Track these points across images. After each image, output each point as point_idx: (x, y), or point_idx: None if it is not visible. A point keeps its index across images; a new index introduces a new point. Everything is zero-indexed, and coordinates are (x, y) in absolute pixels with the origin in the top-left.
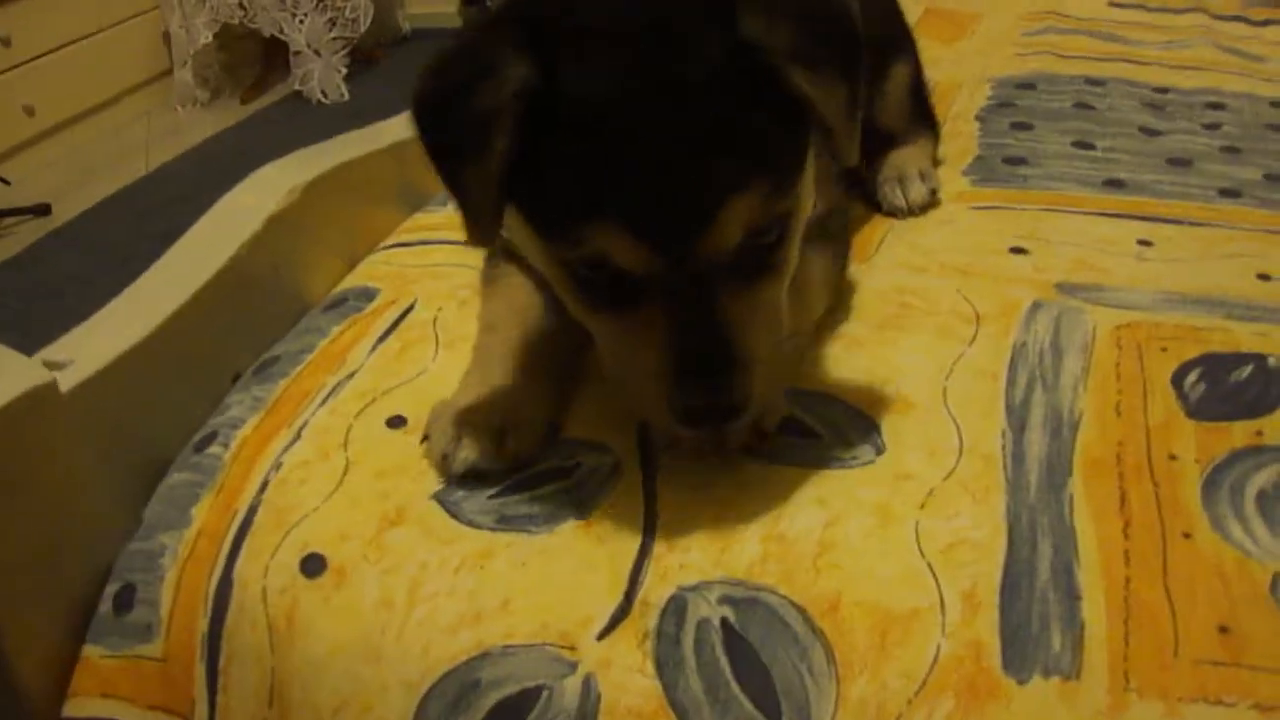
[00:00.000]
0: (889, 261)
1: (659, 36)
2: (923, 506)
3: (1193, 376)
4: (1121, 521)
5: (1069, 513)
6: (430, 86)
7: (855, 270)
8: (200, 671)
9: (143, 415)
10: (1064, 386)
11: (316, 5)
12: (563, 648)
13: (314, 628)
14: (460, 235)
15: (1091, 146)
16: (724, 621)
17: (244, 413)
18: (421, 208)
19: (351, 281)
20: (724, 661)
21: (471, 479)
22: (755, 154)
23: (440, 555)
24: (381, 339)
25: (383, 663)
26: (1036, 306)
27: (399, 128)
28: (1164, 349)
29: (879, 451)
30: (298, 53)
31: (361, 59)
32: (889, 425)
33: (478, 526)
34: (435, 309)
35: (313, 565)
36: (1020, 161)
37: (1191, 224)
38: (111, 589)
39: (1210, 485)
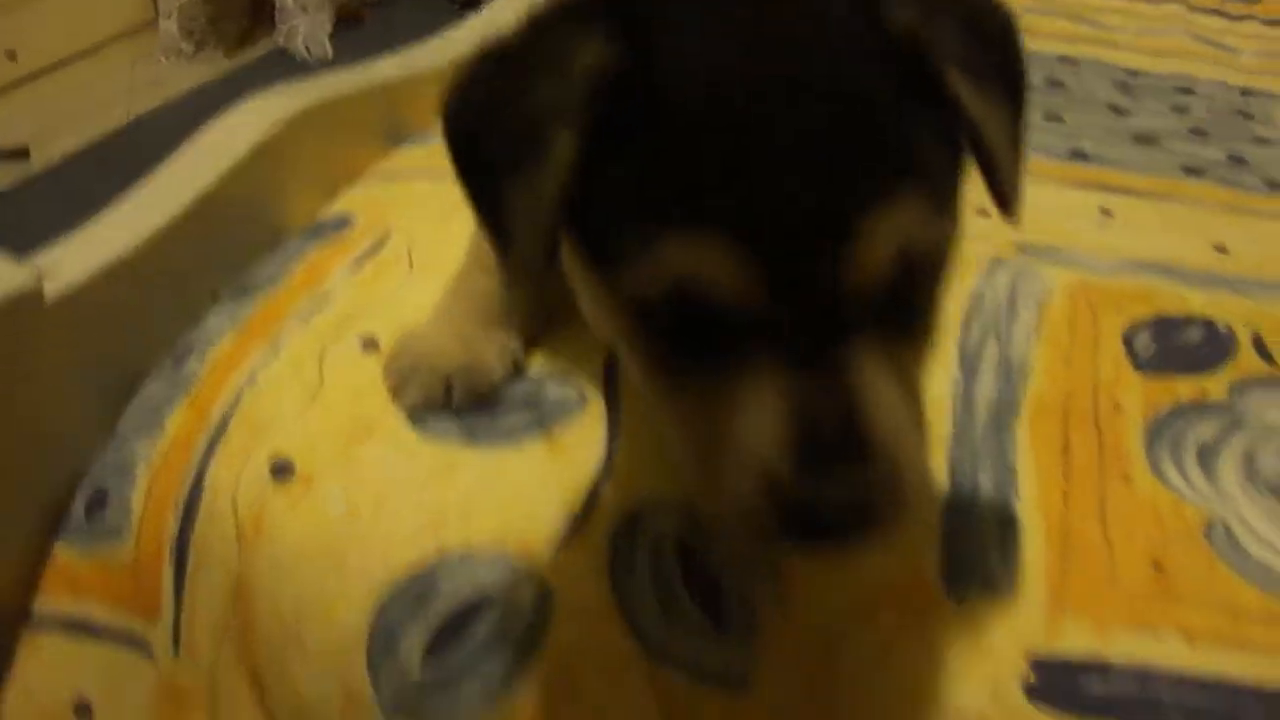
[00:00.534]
0: None
1: (787, 6)
2: None
3: (1144, 335)
4: (1063, 464)
5: (1011, 453)
6: (469, 85)
7: None
8: (168, 574)
9: (123, 329)
10: (1017, 339)
11: None
12: (520, 556)
13: (280, 532)
14: (444, 168)
15: (1060, 119)
16: (677, 536)
17: (220, 329)
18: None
19: (330, 209)
20: (676, 571)
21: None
22: (910, 159)
23: (407, 469)
24: (359, 262)
25: (345, 569)
26: (997, 264)
27: (389, 68)
28: (1118, 309)
29: None
30: (284, 8)
31: (347, 18)
32: None
33: (445, 443)
34: (411, 234)
35: (282, 470)
36: None
37: (1154, 197)
38: (84, 493)
39: (1153, 435)
